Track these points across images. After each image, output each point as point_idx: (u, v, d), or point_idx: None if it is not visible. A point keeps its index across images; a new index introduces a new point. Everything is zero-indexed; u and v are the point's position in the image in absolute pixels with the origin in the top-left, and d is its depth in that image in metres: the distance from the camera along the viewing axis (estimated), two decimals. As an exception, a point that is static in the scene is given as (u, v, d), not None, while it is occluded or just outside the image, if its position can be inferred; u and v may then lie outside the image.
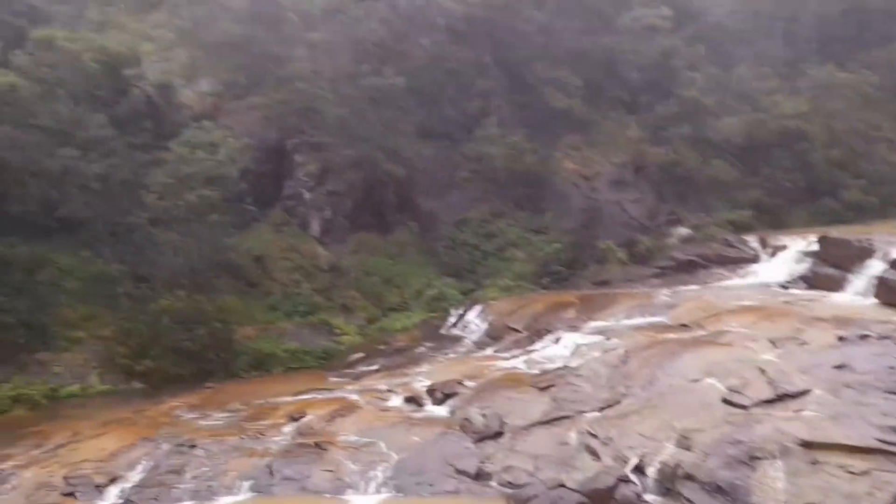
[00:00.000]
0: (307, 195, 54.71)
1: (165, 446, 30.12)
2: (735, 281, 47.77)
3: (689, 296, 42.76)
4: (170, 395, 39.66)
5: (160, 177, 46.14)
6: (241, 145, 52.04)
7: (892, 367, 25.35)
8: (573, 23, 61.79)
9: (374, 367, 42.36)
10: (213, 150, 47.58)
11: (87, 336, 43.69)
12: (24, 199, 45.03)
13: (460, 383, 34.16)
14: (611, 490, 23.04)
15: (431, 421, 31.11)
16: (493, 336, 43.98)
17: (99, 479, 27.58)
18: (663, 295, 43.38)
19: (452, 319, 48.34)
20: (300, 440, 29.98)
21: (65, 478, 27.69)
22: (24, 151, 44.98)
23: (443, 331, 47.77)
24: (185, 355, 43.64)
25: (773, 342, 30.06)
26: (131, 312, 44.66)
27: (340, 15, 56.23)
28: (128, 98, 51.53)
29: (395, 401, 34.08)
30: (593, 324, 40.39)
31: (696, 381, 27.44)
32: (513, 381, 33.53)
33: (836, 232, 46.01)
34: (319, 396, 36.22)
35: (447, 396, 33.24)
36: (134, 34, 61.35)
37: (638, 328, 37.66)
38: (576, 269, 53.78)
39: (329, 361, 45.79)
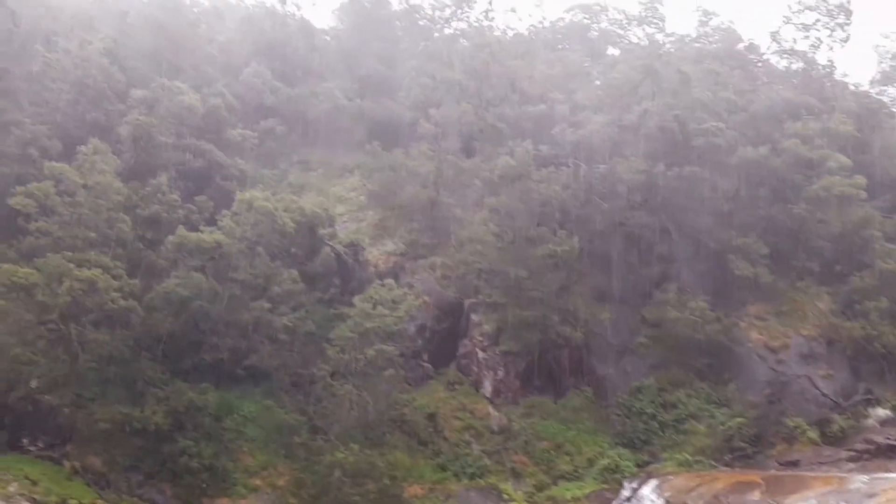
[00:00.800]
0: (481, 354, 55.16)
1: None
2: (946, 472, 43.80)
3: (891, 484, 39.48)
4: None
5: (343, 331, 48.03)
6: (420, 303, 53.72)
7: None
8: (760, 191, 60.88)
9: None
10: (393, 307, 49.27)
11: (264, 484, 45.01)
12: (218, 348, 47.86)
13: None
14: None
15: None
16: (670, 513, 41.94)
17: None
18: (860, 481, 40.24)
19: (626, 493, 46.51)
20: None
21: None
22: (223, 303, 48.31)
23: (615, 504, 46.00)
24: (353, 511, 43.98)
25: None
26: (306, 463, 45.77)
27: (523, 179, 57.86)
28: (319, 255, 54.53)
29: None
30: (781, 509, 37.87)
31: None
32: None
33: None
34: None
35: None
36: (329, 196, 65.53)
37: (832, 517, 35.06)
38: (761, 446, 50.73)
39: (495, 528, 44.94)
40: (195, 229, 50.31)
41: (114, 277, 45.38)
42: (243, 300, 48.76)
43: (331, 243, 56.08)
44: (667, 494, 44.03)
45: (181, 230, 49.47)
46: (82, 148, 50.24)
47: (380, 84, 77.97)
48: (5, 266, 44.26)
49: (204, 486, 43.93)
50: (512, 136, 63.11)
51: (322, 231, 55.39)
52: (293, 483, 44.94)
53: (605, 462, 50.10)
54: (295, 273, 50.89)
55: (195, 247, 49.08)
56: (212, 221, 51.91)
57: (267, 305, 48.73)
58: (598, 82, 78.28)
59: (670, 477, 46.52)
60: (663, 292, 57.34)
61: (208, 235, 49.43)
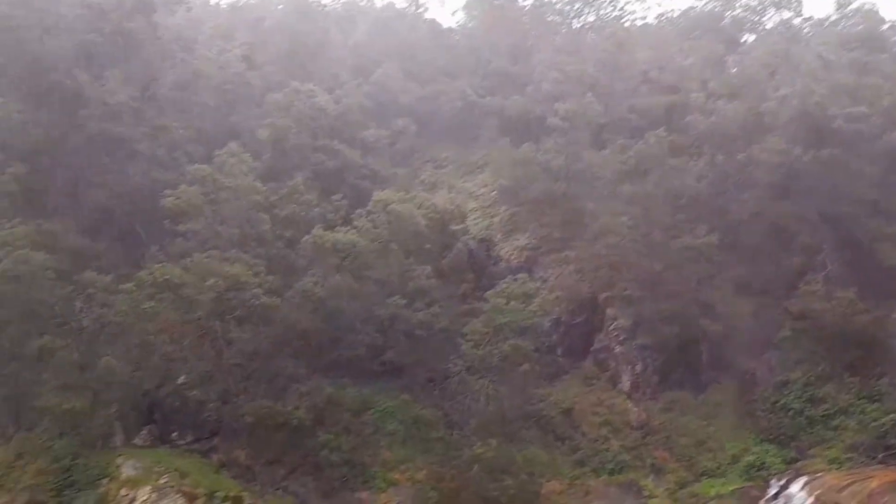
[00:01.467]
0: (618, 349, 54.24)
1: None
2: None
3: None
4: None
5: (477, 326, 48.16)
6: (554, 297, 53.29)
7: None
8: (910, 176, 57.62)
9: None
10: (526, 302, 49.12)
11: (402, 478, 45.58)
12: (355, 344, 48.71)
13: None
14: None
15: None
16: (819, 513, 40.18)
17: None
18: None
19: (772, 490, 44.96)
20: None
21: None
22: (358, 300, 49.14)
23: (762, 502, 44.31)
24: (497, 505, 43.90)
25: None
26: (444, 458, 46.10)
27: (658, 169, 56.47)
28: (452, 252, 54.77)
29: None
30: (942, 509, 35.67)
31: None
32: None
33: None
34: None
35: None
36: (461, 193, 65.84)
37: None
38: (918, 444, 48.04)
39: (636, 525, 44.10)
40: (330, 228, 51.27)
41: (254, 275, 46.91)
42: (379, 297, 49.46)
43: (463, 239, 56.29)
44: (817, 492, 42.28)
45: (318, 230, 50.51)
46: (218, 151, 52.12)
47: (509, 80, 77.68)
48: (157, 266, 46.33)
49: (344, 479, 44.92)
50: (643, 127, 61.76)
51: (454, 227, 55.70)
52: (432, 477, 45.33)
53: (749, 458, 48.49)
54: (428, 269, 51.29)
55: (331, 246, 50.02)
56: (346, 220, 52.81)
57: (402, 302, 49.24)
58: (733, 70, 75.69)
59: (820, 474, 44.60)
60: (808, 283, 54.96)
61: (344, 235, 50.28)
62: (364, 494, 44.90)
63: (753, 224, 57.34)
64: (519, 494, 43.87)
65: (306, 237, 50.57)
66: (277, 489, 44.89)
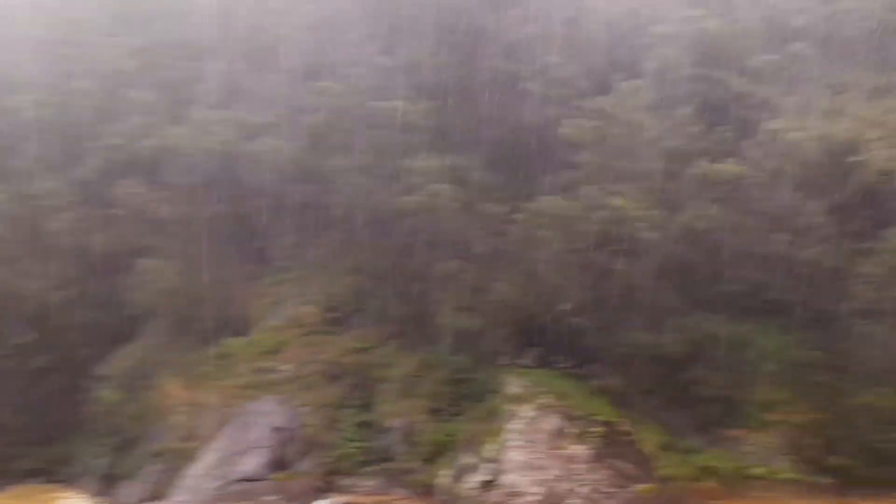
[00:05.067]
0: None
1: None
2: None
3: None
4: (859, 497, 38.70)
5: (870, 267, 44.91)
6: None
7: None
8: None
9: None
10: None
11: (778, 420, 44.56)
12: (735, 280, 47.85)
13: None
14: None
15: None
16: None
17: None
18: None
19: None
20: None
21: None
22: (740, 235, 47.97)
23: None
24: (881, 458, 41.55)
25: None
26: (824, 403, 44.23)
27: None
28: (846, 186, 51.05)
29: None
30: None
31: None
32: None
33: None
34: None
35: None
36: (861, 121, 60.41)
37: None
38: None
39: None
40: (714, 161, 50.25)
41: (639, 209, 47.63)
42: (761, 233, 47.90)
43: (861, 172, 52.08)
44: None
45: (702, 162, 49.79)
46: (623, 85, 52.50)
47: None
48: (548, 198, 48.92)
49: (717, 415, 45.01)
50: None
51: (850, 159, 51.68)
52: (810, 422, 43.83)
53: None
54: (818, 205, 48.48)
55: (715, 178, 49.16)
56: (731, 153, 51.35)
57: (786, 238, 47.24)
58: None
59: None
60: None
61: (729, 167, 49.16)
62: (737, 432, 44.72)
63: None
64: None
65: (690, 170, 50.07)
66: (650, 418, 46.09)
